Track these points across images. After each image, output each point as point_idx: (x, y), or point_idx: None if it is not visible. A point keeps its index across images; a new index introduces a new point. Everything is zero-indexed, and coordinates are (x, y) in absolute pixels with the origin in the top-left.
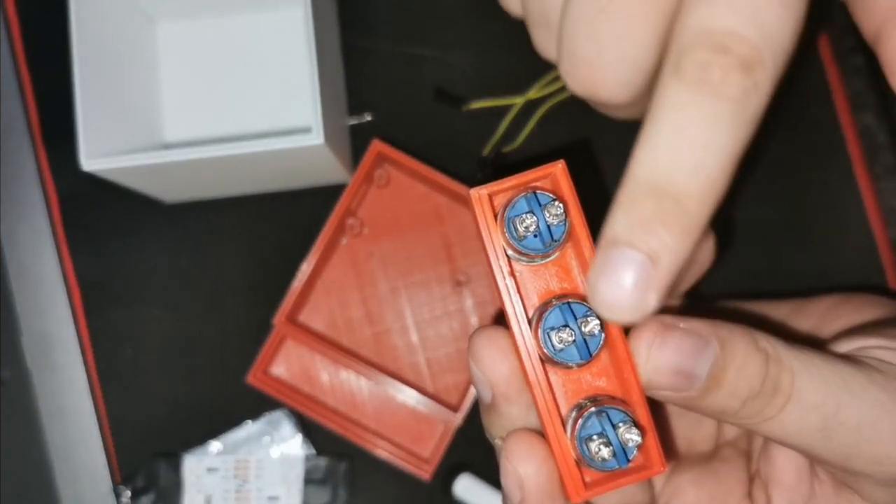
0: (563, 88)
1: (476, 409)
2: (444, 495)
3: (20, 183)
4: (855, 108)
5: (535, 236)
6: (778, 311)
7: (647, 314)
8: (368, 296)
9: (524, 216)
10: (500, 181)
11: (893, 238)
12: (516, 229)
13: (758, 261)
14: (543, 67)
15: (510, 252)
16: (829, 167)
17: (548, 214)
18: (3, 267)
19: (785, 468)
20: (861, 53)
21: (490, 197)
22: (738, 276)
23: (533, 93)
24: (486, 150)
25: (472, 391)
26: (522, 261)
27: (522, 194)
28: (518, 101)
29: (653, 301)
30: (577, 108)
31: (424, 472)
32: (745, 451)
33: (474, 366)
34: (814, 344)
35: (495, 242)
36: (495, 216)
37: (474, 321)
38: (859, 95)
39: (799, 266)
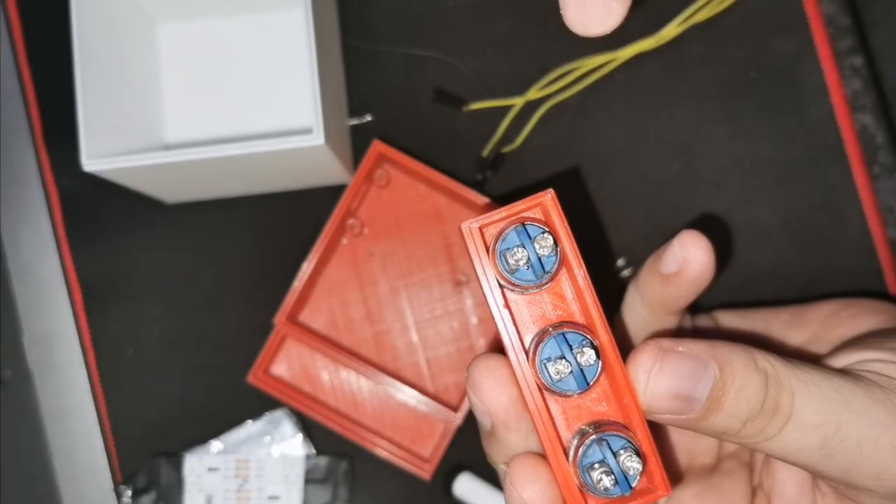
0: (563, 89)
1: None
2: (444, 494)
3: (22, 183)
4: (853, 108)
5: (528, 268)
6: (778, 317)
7: (615, 25)
8: (368, 296)
9: (515, 249)
10: (490, 213)
11: (892, 238)
12: (508, 262)
13: (757, 261)
14: (543, 68)
15: (503, 283)
16: (828, 167)
17: (538, 246)
18: (5, 267)
19: (787, 482)
20: (859, 54)
21: (481, 230)
22: (738, 277)
23: (533, 93)
24: (486, 151)
25: None
26: (516, 291)
27: (513, 227)
28: (518, 101)
29: (619, 10)
30: (577, 109)
31: (424, 472)
32: (748, 462)
33: (473, 395)
34: (814, 354)
35: (488, 275)
36: (487, 248)
37: (474, 321)
38: (858, 95)
39: (798, 266)
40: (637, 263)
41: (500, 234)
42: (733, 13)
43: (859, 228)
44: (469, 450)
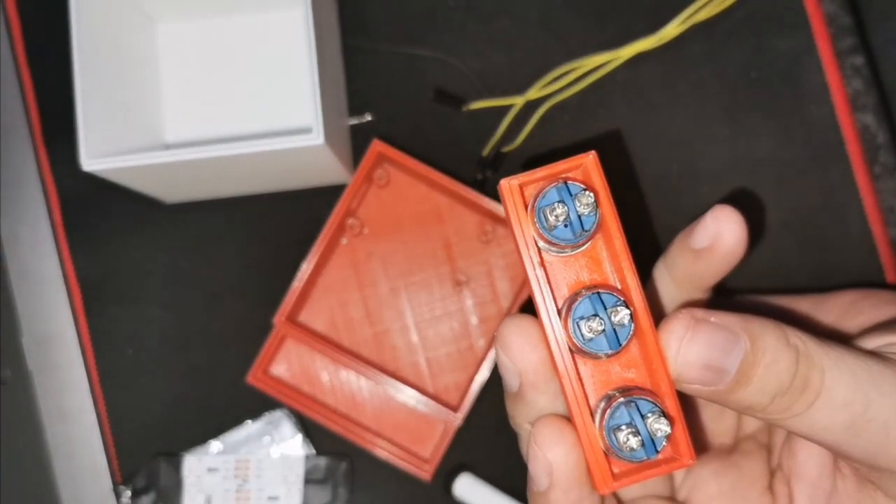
0: (563, 89)
1: (476, 409)
2: (444, 495)
3: (21, 183)
4: (854, 108)
5: (566, 226)
6: (798, 305)
7: None
8: (368, 296)
9: (555, 205)
10: (530, 171)
11: (893, 238)
12: (547, 219)
13: (757, 261)
14: (543, 68)
15: (540, 242)
16: (829, 167)
17: (579, 204)
18: (4, 267)
19: (808, 462)
20: (860, 54)
21: (521, 187)
22: (738, 277)
23: (533, 93)
24: (486, 150)
25: (473, 391)
26: (552, 251)
27: (553, 184)
28: (518, 101)
29: None
30: (577, 109)
31: (424, 472)
32: (766, 444)
33: (503, 354)
34: (838, 339)
35: (525, 233)
36: (526, 207)
37: (474, 321)
38: (859, 95)
39: (798, 266)
40: (637, 263)
41: (539, 192)
42: (733, 13)
43: (860, 228)
44: (469, 450)
